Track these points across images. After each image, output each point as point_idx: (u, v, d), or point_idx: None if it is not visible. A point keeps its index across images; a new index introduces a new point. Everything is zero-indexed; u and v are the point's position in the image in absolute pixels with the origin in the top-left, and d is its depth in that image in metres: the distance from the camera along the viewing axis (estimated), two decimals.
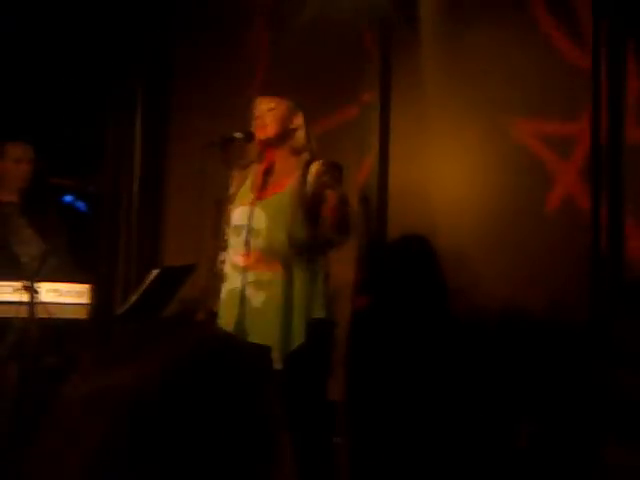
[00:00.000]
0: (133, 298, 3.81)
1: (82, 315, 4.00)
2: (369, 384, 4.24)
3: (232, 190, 3.55)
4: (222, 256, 3.54)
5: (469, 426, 3.90)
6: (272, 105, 3.52)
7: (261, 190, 3.49)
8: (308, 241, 3.38)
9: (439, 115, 4.26)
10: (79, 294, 4.00)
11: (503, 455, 3.77)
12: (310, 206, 3.37)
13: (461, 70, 4.20)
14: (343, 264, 4.29)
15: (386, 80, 4.42)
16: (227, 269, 3.48)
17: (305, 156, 3.52)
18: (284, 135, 3.52)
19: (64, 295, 3.96)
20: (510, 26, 4.10)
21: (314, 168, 3.45)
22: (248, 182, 3.57)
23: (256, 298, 3.38)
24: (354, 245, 4.42)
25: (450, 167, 4.23)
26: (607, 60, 3.78)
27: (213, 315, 3.37)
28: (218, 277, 3.51)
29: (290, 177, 3.48)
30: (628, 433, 3.41)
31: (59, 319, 3.92)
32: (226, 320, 3.40)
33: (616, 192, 3.77)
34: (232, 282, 3.44)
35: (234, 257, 3.46)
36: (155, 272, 3.77)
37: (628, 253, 3.73)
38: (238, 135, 3.48)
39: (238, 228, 3.47)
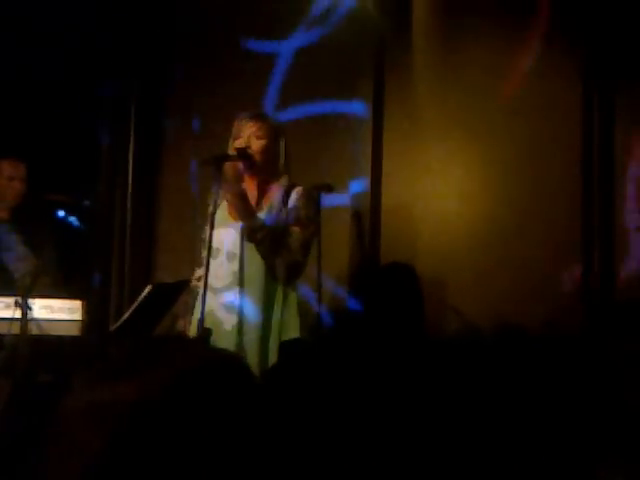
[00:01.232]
0: (126, 314, 3.80)
1: (75, 331, 3.99)
2: (368, 400, 4.23)
3: (211, 210, 3.51)
4: (197, 273, 3.56)
5: (463, 442, 3.89)
6: (260, 133, 3.52)
7: None
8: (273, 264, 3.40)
9: (433, 129, 4.28)
10: (72, 310, 3.99)
11: (497, 474, 3.76)
12: (277, 234, 3.40)
13: (454, 85, 4.21)
14: (335, 279, 4.29)
15: (379, 97, 4.44)
16: (207, 291, 3.47)
17: (283, 180, 3.55)
18: (268, 163, 3.54)
19: (57, 311, 3.95)
20: (505, 41, 4.12)
21: (294, 196, 3.48)
22: (224, 203, 3.57)
23: (228, 321, 3.40)
24: (346, 260, 4.44)
25: (443, 184, 4.24)
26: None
27: (207, 332, 3.37)
28: (192, 295, 3.53)
29: (268, 201, 3.50)
30: (625, 450, 3.41)
31: (52, 335, 3.91)
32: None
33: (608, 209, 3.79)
34: (209, 304, 3.43)
35: (210, 279, 3.45)
36: (148, 288, 3.77)
37: (619, 271, 3.75)
38: (232, 152, 3.49)
39: (215, 251, 3.48)
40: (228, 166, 3.51)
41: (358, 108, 4.52)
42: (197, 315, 3.41)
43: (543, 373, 3.71)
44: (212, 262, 3.45)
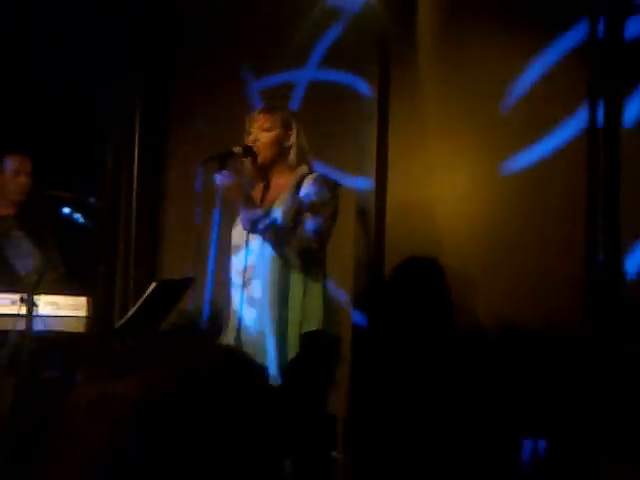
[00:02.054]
0: (131, 311, 3.81)
1: (80, 328, 4.00)
2: (372, 399, 4.23)
3: (216, 206, 3.53)
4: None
5: (471, 441, 3.90)
6: (268, 125, 3.51)
7: None
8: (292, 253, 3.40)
9: (438, 128, 4.27)
10: (77, 307, 4.00)
11: (505, 468, 3.76)
12: (289, 223, 3.40)
13: (460, 83, 4.21)
14: (340, 277, 4.29)
15: (384, 93, 4.44)
16: (231, 287, 3.52)
17: (301, 170, 3.53)
18: (279, 155, 3.53)
19: (62, 308, 3.96)
20: (510, 40, 4.11)
21: (306, 184, 3.46)
22: None
23: (249, 316, 3.41)
24: (351, 258, 4.44)
25: (448, 181, 4.24)
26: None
27: (216, 329, 3.39)
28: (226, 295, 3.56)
29: (281, 192, 3.50)
30: (626, 447, 3.41)
31: (57, 332, 3.92)
32: (228, 339, 3.43)
33: (613, 207, 3.79)
34: (233, 301, 3.48)
35: (233, 277, 3.49)
36: (153, 285, 3.77)
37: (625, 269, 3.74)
38: (237, 150, 3.49)
39: (236, 248, 3.50)
40: (247, 162, 3.53)
41: (363, 105, 4.53)
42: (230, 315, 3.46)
43: (547, 370, 3.71)
44: (233, 259, 3.48)
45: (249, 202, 3.42)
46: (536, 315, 3.87)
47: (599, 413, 3.55)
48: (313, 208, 3.40)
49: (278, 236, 3.35)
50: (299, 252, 3.35)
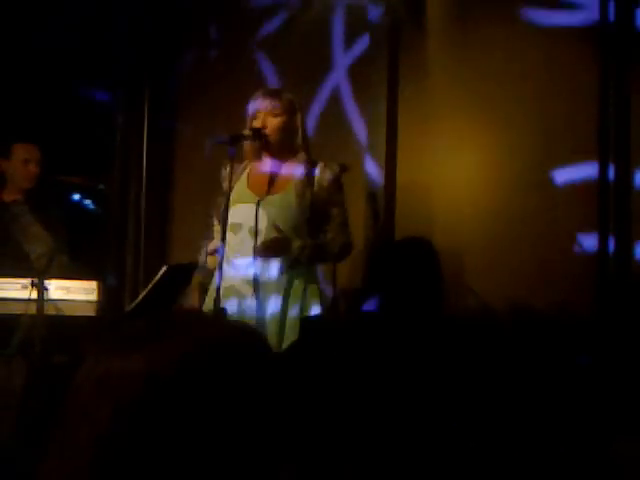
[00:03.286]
0: (142, 295, 3.81)
1: (91, 312, 4.01)
2: (377, 381, 4.23)
3: (225, 185, 3.53)
4: (210, 246, 3.55)
5: (472, 425, 3.89)
6: (277, 111, 3.51)
7: (262, 190, 3.51)
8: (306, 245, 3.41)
9: (446, 112, 4.27)
10: (88, 291, 4.01)
11: (506, 455, 3.76)
12: (314, 216, 3.41)
13: (469, 67, 4.20)
14: (350, 262, 4.29)
15: (393, 77, 4.43)
16: (224, 265, 3.48)
17: (302, 156, 3.55)
18: (286, 140, 3.53)
19: (73, 292, 3.97)
20: (519, 24, 4.09)
21: (325, 176, 3.48)
22: (244, 179, 3.58)
23: (250, 296, 3.41)
24: (361, 243, 4.43)
25: (457, 164, 4.23)
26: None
27: (222, 311, 3.39)
28: (207, 271, 3.54)
29: (291, 177, 3.50)
30: (636, 428, 3.41)
31: (67, 316, 3.93)
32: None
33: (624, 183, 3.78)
34: (228, 279, 3.45)
35: (231, 255, 3.46)
36: (163, 269, 3.77)
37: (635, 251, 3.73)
38: (247, 132, 3.49)
39: (236, 226, 3.48)
40: (248, 145, 3.53)
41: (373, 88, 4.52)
42: (214, 294, 3.43)
43: (556, 352, 3.70)
44: (234, 238, 3.46)
45: (287, 247, 3.43)
46: (545, 297, 3.87)
47: (609, 395, 3.54)
48: (336, 203, 3.45)
49: (322, 251, 3.43)
50: (338, 253, 3.43)
